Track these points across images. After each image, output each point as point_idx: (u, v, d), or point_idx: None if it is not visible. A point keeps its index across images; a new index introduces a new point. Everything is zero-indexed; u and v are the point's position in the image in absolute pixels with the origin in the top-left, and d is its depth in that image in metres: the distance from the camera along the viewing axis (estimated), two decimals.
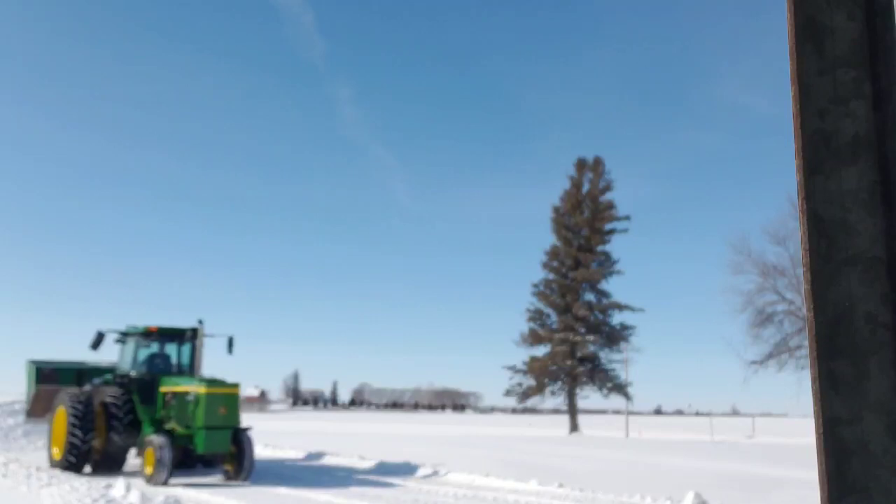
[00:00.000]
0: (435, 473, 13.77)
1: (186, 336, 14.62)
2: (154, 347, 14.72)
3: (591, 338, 43.05)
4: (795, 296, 30.80)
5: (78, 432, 12.96)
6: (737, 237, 48.73)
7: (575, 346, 42.60)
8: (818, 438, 0.94)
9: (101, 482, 11.26)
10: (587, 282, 43.29)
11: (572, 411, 43.39)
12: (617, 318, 43.72)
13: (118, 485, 10.44)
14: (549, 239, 47.21)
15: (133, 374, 14.14)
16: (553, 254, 44.40)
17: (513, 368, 44.45)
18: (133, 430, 13.30)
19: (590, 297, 43.80)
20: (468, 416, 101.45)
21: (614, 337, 43.32)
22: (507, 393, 45.33)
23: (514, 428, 47.74)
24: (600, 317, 43.67)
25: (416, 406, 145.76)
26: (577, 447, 24.85)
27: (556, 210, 44.54)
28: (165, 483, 11.57)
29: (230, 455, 12.63)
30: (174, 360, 14.79)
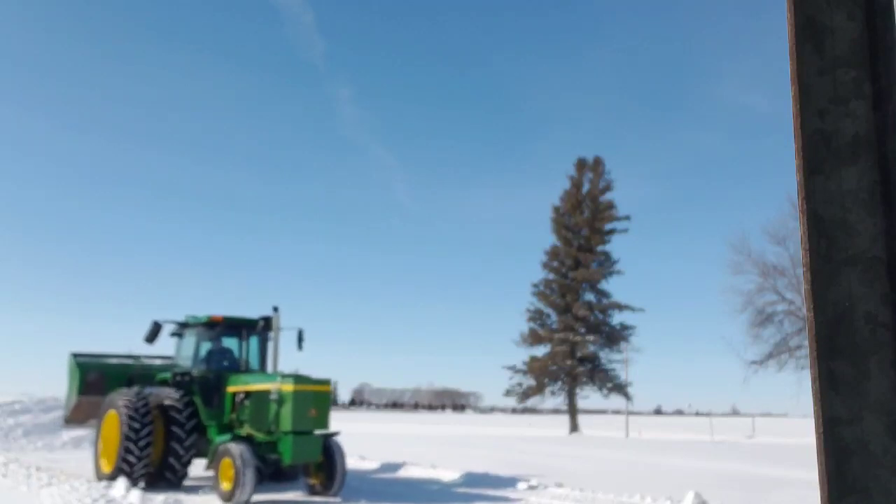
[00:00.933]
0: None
1: (257, 326, 12.33)
2: (218, 340, 12.45)
3: (591, 338, 43.06)
4: (795, 296, 30.82)
5: (134, 441, 10.91)
6: (737, 237, 48.80)
7: (575, 346, 42.60)
8: (818, 438, 0.94)
9: (100, 482, 11.25)
10: (587, 282, 43.29)
11: (572, 411, 43.40)
12: (617, 318, 43.76)
13: (118, 485, 10.44)
14: (549, 239, 47.29)
15: (195, 371, 11.89)
16: (553, 254, 44.42)
17: (513, 368, 44.50)
18: (197, 438, 11.37)
19: (590, 297, 43.82)
20: (468, 416, 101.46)
21: (614, 337, 43.34)
22: (507, 393, 45.38)
23: (514, 428, 47.74)
24: (600, 317, 43.69)
25: (416, 406, 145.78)
26: (577, 447, 24.86)
27: (556, 210, 44.58)
28: (248, 502, 9.68)
29: (316, 465, 10.70)
30: (241, 354, 12.49)
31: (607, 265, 43.64)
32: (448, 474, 13.48)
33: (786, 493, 11.51)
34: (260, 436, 10.51)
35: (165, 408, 11.47)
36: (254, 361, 12.44)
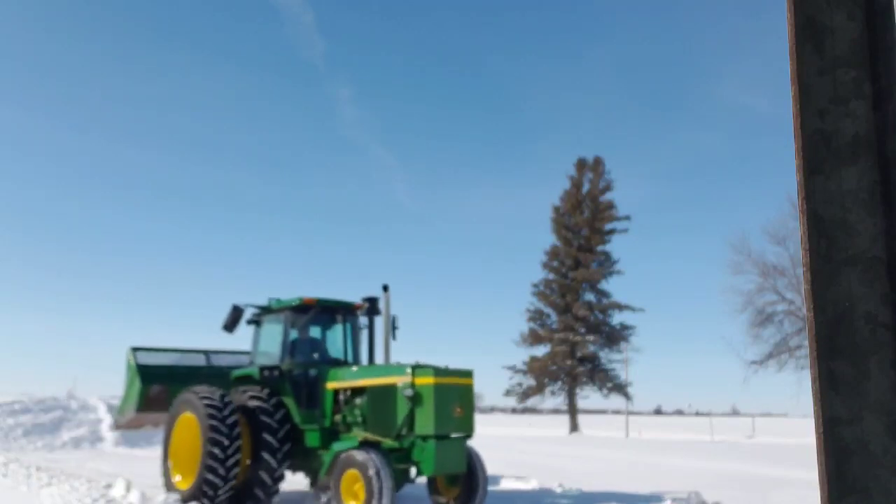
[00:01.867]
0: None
1: (359, 310, 10.37)
2: (307, 328, 10.28)
3: (591, 338, 43.06)
4: (795, 296, 30.84)
5: (220, 457, 8.73)
6: (737, 237, 48.87)
7: (575, 346, 42.61)
8: (818, 438, 0.94)
9: (100, 482, 11.26)
10: (587, 282, 43.29)
11: (572, 411, 43.41)
12: (617, 318, 43.75)
13: (118, 485, 10.44)
14: (549, 239, 47.30)
15: (285, 365, 9.68)
16: (553, 254, 44.42)
17: (513, 368, 44.48)
18: (290, 446, 9.26)
19: (590, 297, 43.81)
20: None
21: (614, 337, 43.34)
22: (507, 393, 45.37)
23: (514, 428, 47.74)
24: (600, 317, 43.68)
25: None
26: (577, 447, 24.86)
27: (556, 210, 44.56)
28: None
29: (449, 478, 8.74)
30: (341, 344, 10.44)
31: (607, 265, 43.65)
32: None
33: (786, 493, 11.52)
34: (389, 441, 8.40)
35: (251, 411, 9.27)
36: (352, 352, 10.41)
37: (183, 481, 9.47)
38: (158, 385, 11.11)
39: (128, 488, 10.16)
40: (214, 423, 8.87)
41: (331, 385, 9.50)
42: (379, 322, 10.25)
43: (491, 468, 14.05)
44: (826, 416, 0.93)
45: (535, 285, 44.44)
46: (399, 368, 8.71)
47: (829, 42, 1.00)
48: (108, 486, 10.64)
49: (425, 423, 8.16)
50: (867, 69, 0.98)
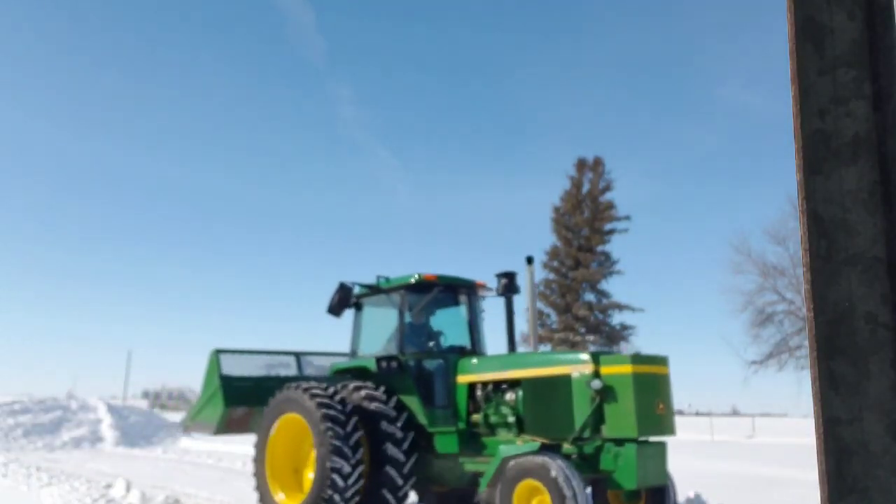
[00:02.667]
0: None
1: (480, 290, 8.69)
2: (424, 311, 8.44)
3: (591, 338, 43.06)
4: (795, 296, 30.84)
5: (343, 462, 7.17)
6: (737, 237, 48.84)
7: (575, 346, 42.62)
8: (818, 438, 0.94)
9: (100, 482, 11.26)
10: (587, 282, 43.31)
11: None
12: (617, 318, 43.73)
13: (118, 485, 10.44)
14: (549, 239, 47.28)
15: (404, 356, 7.89)
16: (553, 254, 44.42)
17: None
18: (416, 455, 7.59)
19: (590, 297, 43.81)
20: None
21: (614, 337, 43.34)
22: None
23: None
24: (600, 317, 43.68)
25: None
26: None
27: (556, 210, 44.56)
28: None
29: (629, 493, 6.65)
30: (459, 329, 8.64)
31: (607, 265, 43.65)
32: None
33: (786, 493, 11.52)
34: (570, 447, 6.66)
35: (367, 412, 7.65)
36: (479, 339, 8.64)
37: (289, 500, 7.89)
38: (243, 408, 9.26)
39: (128, 488, 10.16)
40: (333, 427, 7.24)
41: (464, 378, 7.79)
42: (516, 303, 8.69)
43: None
44: (826, 416, 0.93)
45: (536, 285, 44.44)
46: (572, 355, 7.14)
47: (829, 42, 1.00)
48: (108, 486, 10.64)
49: (622, 423, 6.44)
50: (867, 69, 0.98)
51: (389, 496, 7.25)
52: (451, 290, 8.55)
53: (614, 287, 47.19)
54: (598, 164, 44.14)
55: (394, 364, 7.85)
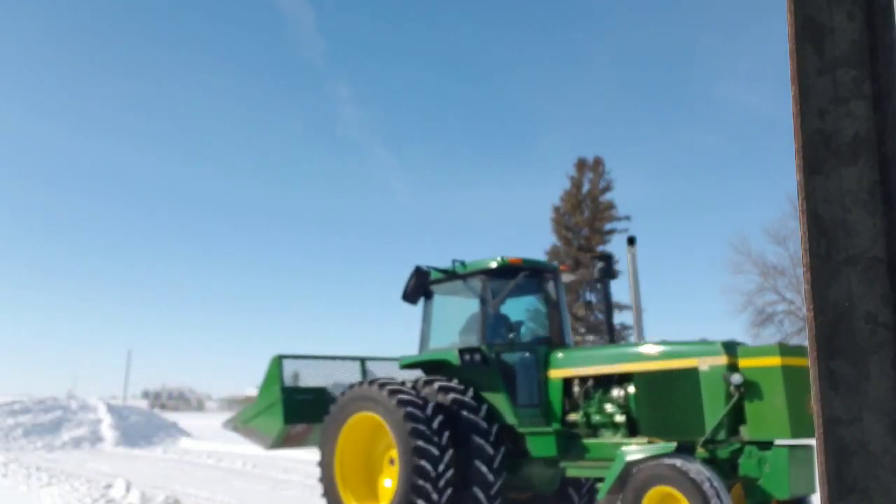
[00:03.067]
0: None
1: (563, 275, 7.97)
2: (507, 299, 7.44)
3: (591, 338, 43.06)
4: (795, 296, 30.84)
5: (431, 467, 6.39)
6: (737, 237, 48.82)
7: (575, 346, 42.67)
8: (818, 438, 0.94)
9: (100, 482, 11.26)
10: (587, 282, 43.35)
11: None
12: (617, 319, 43.72)
13: (118, 485, 10.44)
14: (549, 239, 47.31)
15: (488, 348, 7.04)
16: (553, 254, 44.42)
17: None
18: (506, 459, 6.83)
19: (590, 297, 43.86)
20: None
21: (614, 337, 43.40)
22: None
23: None
24: (600, 317, 43.70)
25: None
26: None
27: (556, 210, 44.58)
28: None
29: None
30: (542, 318, 7.79)
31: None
32: None
33: None
34: (700, 451, 5.80)
35: (451, 411, 6.87)
36: (562, 328, 7.79)
37: None
38: (303, 424, 8.49)
39: (128, 488, 10.16)
40: (419, 427, 6.43)
41: (557, 373, 6.96)
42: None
43: None
44: (826, 416, 0.93)
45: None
46: (701, 346, 6.18)
47: (829, 42, 1.00)
48: (108, 486, 10.64)
49: (770, 423, 5.70)
50: (867, 69, 0.98)
51: (482, 495, 6.44)
52: (535, 275, 7.71)
53: (614, 287, 47.22)
54: (598, 164, 44.16)
55: (477, 357, 7.03)
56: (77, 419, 22.48)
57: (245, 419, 9.15)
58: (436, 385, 7.08)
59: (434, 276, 7.74)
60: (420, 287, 7.56)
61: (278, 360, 8.55)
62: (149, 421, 24.41)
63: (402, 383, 7.17)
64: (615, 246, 47.59)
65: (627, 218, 44.06)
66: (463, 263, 7.65)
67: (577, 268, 43.26)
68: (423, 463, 6.36)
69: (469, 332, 7.51)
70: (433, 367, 7.49)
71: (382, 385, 6.99)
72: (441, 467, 6.40)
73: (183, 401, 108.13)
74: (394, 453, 6.90)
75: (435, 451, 6.45)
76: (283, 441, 8.56)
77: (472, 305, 7.66)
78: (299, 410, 8.39)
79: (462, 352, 7.09)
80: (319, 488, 9.25)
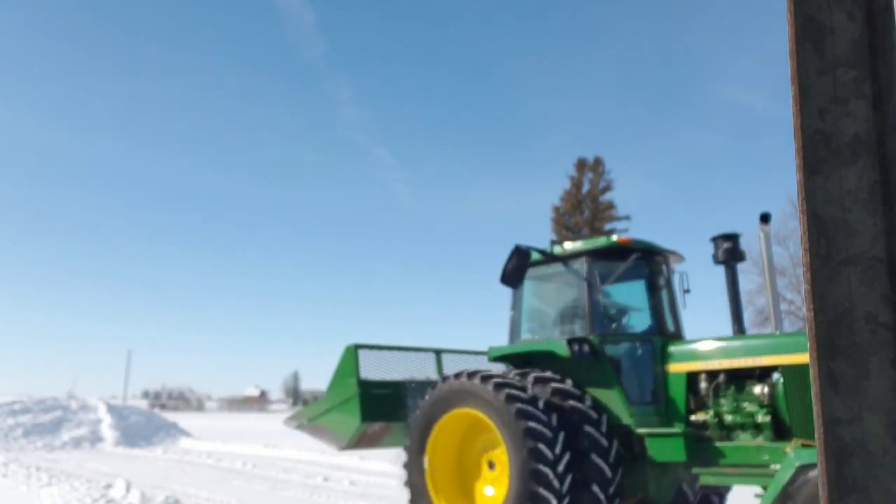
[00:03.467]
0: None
1: (674, 260, 7.10)
2: (616, 284, 6.72)
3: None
4: (795, 296, 30.85)
5: (551, 473, 5.63)
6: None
7: None
8: (818, 438, 0.94)
9: (100, 482, 11.26)
10: None
11: None
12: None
13: (118, 485, 10.44)
14: (549, 239, 47.43)
15: (599, 338, 6.37)
16: None
17: None
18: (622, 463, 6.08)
19: None
20: None
21: None
22: None
23: None
24: None
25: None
26: None
27: (556, 210, 44.62)
28: None
29: None
30: (653, 306, 6.84)
31: None
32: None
33: None
34: None
35: (562, 409, 6.11)
36: (677, 318, 6.95)
37: None
38: (381, 423, 7.66)
39: (128, 488, 10.16)
40: (535, 425, 5.72)
41: (679, 367, 6.22)
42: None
43: None
44: (826, 416, 0.93)
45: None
46: None
47: (829, 42, 1.00)
48: (108, 486, 10.64)
49: None
50: (867, 69, 0.98)
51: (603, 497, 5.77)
52: (646, 259, 6.88)
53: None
54: (598, 164, 44.21)
55: (586, 348, 6.32)
56: (77, 419, 22.48)
57: (313, 416, 8.27)
58: (539, 378, 6.29)
59: (534, 258, 6.97)
60: (521, 268, 6.77)
61: (354, 351, 7.66)
62: (149, 421, 24.41)
63: (508, 372, 6.48)
64: None
65: (627, 218, 44.09)
66: (561, 244, 7.02)
67: None
68: (541, 467, 5.62)
69: (570, 321, 6.77)
70: (526, 359, 6.81)
71: (486, 378, 6.16)
72: (560, 468, 5.64)
73: (183, 401, 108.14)
74: (493, 455, 6.31)
75: (552, 454, 5.66)
76: (358, 441, 7.75)
77: (568, 292, 6.95)
78: (378, 407, 7.56)
79: (571, 342, 6.34)
80: (320, 488, 9.19)
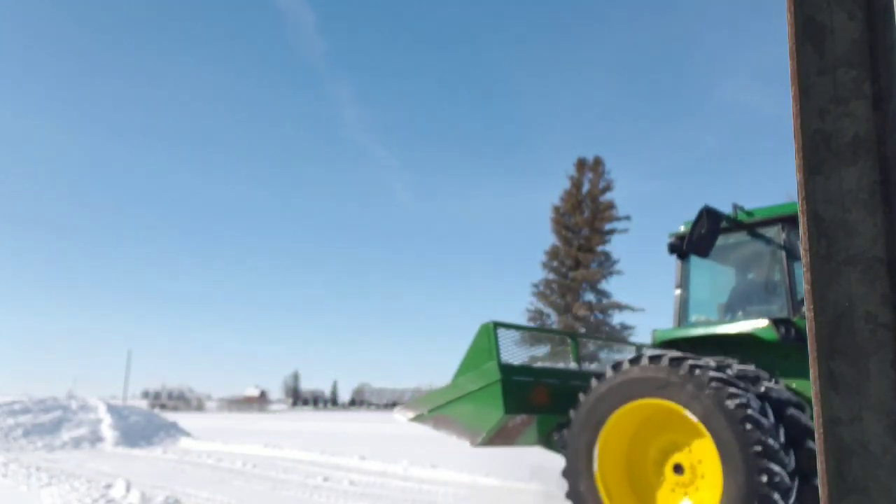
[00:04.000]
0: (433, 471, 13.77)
1: None
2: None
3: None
4: None
5: (779, 467, 4.64)
6: None
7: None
8: (818, 438, 0.94)
9: (100, 482, 11.26)
10: (587, 282, 43.33)
11: None
12: (617, 319, 43.75)
13: (118, 485, 10.44)
14: (549, 239, 47.35)
15: (799, 318, 5.51)
16: (553, 254, 44.45)
17: None
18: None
19: (590, 297, 43.84)
20: None
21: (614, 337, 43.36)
22: None
23: None
24: (600, 317, 43.71)
25: None
26: None
27: (556, 210, 44.61)
28: None
29: None
30: None
31: (607, 265, 43.70)
32: (449, 475, 13.49)
33: None
34: None
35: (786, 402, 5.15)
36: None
37: None
38: (523, 416, 6.57)
39: (128, 488, 10.16)
40: (768, 441, 4.71)
41: None
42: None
43: (491, 468, 14.05)
44: (826, 416, 0.93)
45: (535, 285, 44.44)
46: None
47: (829, 42, 1.00)
48: (108, 486, 10.64)
49: None
50: (867, 69, 0.98)
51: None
52: None
53: (614, 287, 47.22)
54: (598, 164, 44.20)
55: (793, 332, 5.40)
56: (77, 419, 22.48)
57: (436, 406, 7.06)
58: (743, 374, 5.24)
59: (733, 216, 6.04)
60: (713, 233, 5.75)
61: (492, 329, 6.59)
62: (149, 421, 24.40)
63: (723, 362, 5.35)
64: (615, 246, 47.55)
65: (627, 218, 44.06)
66: (749, 211, 6.02)
67: (577, 267, 43.25)
68: (775, 496, 4.62)
69: (761, 300, 5.88)
70: (696, 344, 5.92)
71: (696, 367, 5.05)
72: (787, 480, 4.68)
73: (183, 401, 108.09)
74: (682, 458, 5.41)
75: (787, 480, 4.67)
76: (496, 435, 6.66)
77: (758, 265, 6.03)
78: (521, 396, 6.46)
79: (777, 322, 5.40)
80: (320, 488, 9.14)
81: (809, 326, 0.97)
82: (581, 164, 44.63)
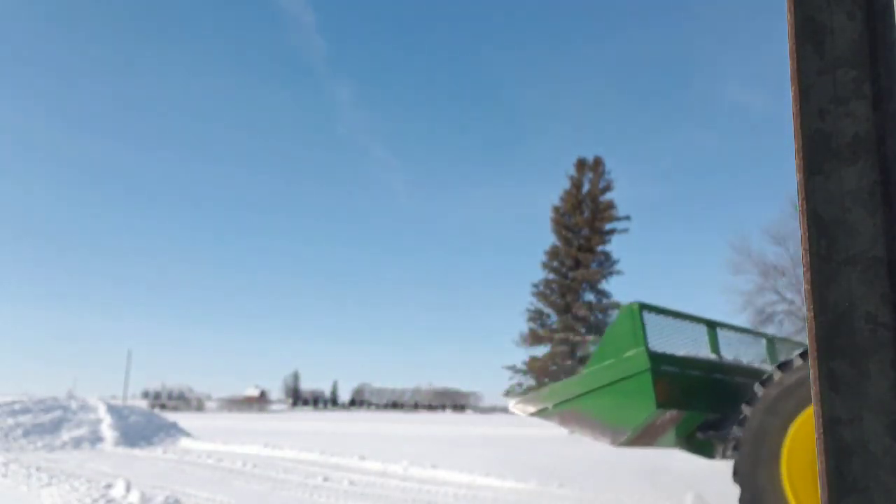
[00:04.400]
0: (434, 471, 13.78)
1: None
2: None
3: (591, 338, 43.08)
4: (795, 296, 30.84)
5: None
6: (737, 237, 48.80)
7: (575, 346, 42.62)
8: (818, 438, 0.94)
9: (100, 482, 11.26)
10: (587, 282, 43.34)
11: None
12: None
13: (118, 485, 10.44)
14: (549, 239, 47.34)
15: None
16: (553, 254, 44.46)
17: (513, 368, 44.50)
18: None
19: (590, 297, 43.86)
20: (468, 416, 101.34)
21: None
22: (507, 393, 45.40)
23: (515, 428, 47.73)
24: (600, 317, 43.71)
25: (415, 406, 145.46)
26: (578, 447, 24.83)
27: (556, 210, 44.63)
28: None
29: None
30: None
31: (607, 265, 43.74)
32: (449, 475, 13.48)
33: None
34: None
35: None
36: None
37: None
38: (674, 411, 5.68)
39: (128, 488, 10.15)
40: None
41: None
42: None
43: (491, 467, 14.05)
44: (826, 416, 0.93)
45: (535, 285, 44.49)
46: None
47: (829, 42, 1.00)
48: (108, 486, 10.64)
49: None
50: (867, 69, 0.98)
51: None
52: None
53: (614, 287, 47.24)
54: (598, 164, 44.22)
55: None
56: (77, 419, 22.49)
57: (564, 399, 6.06)
58: None
59: None
60: None
61: (638, 312, 5.68)
62: (149, 421, 24.41)
63: None
64: (615, 246, 47.52)
65: (627, 218, 44.10)
66: None
67: (577, 267, 43.24)
68: None
69: None
70: None
71: None
72: None
73: (183, 401, 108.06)
74: None
75: None
76: (642, 433, 5.81)
77: None
78: (672, 390, 5.64)
79: None
80: (320, 488, 9.09)
81: (809, 326, 0.97)
82: (581, 164, 44.64)
